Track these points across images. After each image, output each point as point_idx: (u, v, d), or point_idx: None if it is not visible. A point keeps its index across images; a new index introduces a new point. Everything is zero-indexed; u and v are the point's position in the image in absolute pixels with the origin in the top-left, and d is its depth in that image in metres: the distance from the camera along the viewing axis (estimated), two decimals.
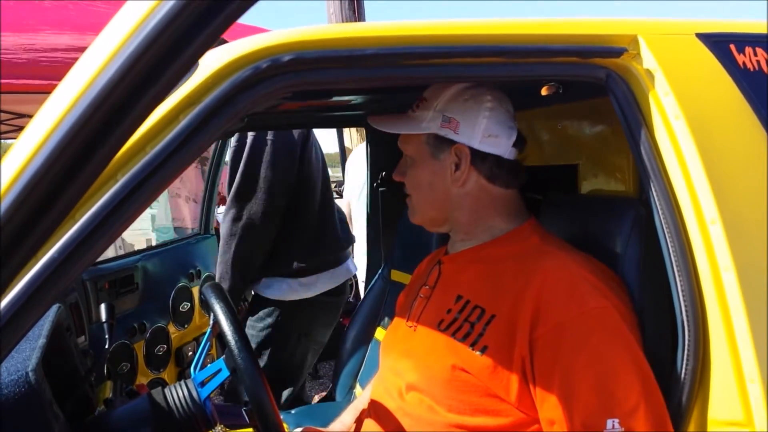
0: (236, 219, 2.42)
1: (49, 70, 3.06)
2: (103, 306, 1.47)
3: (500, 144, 1.34)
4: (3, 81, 3.00)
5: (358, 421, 1.55)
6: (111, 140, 0.61)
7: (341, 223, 2.91)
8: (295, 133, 2.57)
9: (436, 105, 1.35)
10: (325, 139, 8.17)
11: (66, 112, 0.61)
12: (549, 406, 1.13)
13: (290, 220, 2.56)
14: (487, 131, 1.33)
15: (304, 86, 1.02)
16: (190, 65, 0.64)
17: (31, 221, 0.64)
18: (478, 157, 1.34)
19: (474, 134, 1.33)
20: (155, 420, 1.19)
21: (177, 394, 1.21)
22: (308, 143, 2.67)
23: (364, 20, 5.36)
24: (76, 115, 0.59)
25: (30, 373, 1.00)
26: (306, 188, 2.64)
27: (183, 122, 0.89)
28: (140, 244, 7.43)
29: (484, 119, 1.32)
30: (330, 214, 2.79)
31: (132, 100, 0.59)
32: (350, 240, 2.97)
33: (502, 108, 1.35)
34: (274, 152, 2.46)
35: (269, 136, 2.48)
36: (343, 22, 5.23)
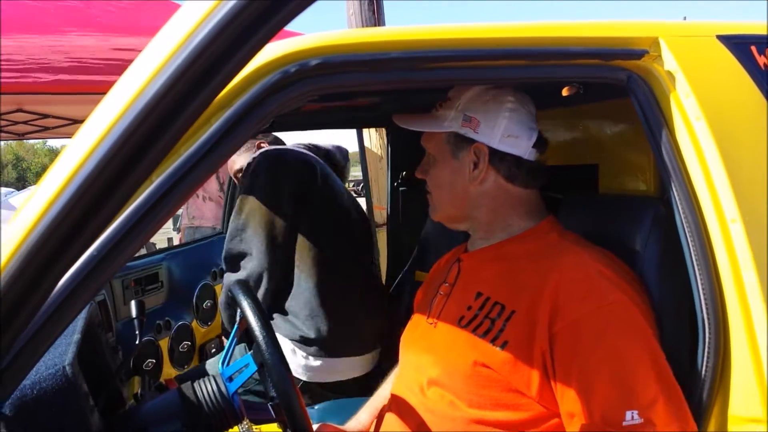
0: None
1: (75, 71, 3.11)
2: (133, 303, 1.51)
3: (520, 144, 1.36)
4: (30, 80, 3.06)
5: (379, 417, 1.57)
6: (158, 146, 0.64)
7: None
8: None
9: (458, 104, 1.37)
10: (345, 138, 8.24)
11: (118, 119, 0.64)
12: (568, 400, 1.15)
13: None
14: (507, 131, 1.34)
15: (330, 89, 1.06)
16: (238, 71, 0.67)
17: (80, 224, 0.68)
18: (497, 157, 1.36)
19: (494, 134, 1.34)
20: (185, 414, 1.22)
21: (206, 388, 1.24)
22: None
23: (383, 20, 5.37)
24: (127, 122, 0.62)
25: (67, 367, 1.04)
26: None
27: (215, 125, 0.91)
28: (162, 243, 7.53)
29: (504, 119, 1.34)
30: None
31: (179, 108, 0.62)
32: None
33: (523, 109, 1.37)
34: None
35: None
36: (362, 21, 5.25)
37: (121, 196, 0.68)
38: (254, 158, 2.31)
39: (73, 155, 0.70)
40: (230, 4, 0.62)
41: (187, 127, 0.67)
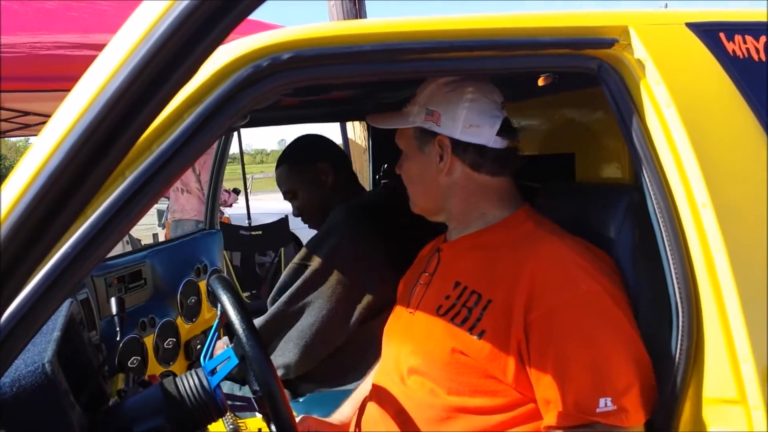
0: None
1: (54, 68, 3.09)
2: (113, 300, 1.51)
3: (482, 133, 1.37)
4: (7, 79, 3.04)
5: (361, 407, 1.59)
6: (123, 140, 0.64)
7: None
8: None
9: (421, 99, 1.40)
10: (329, 131, 8.20)
11: (81, 114, 0.65)
12: (544, 387, 1.18)
13: None
14: (467, 122, 1.36)
15: (303, 83, 1.06)
16: (200, 65, 0.67)
17: (48, 218, 0.68)
18: (460, 147, 1.38)
19: (455, 125, 1.36)
20: (168, 408, 1.22)
21: (188, 382, 1.25)
22: None
23: (364, 14, 5.37)
24: (90, 117, 0.63)
25: (46, 365, 1.04)
26: None
27: (187, 121, 0.92)
28: (146, 239, 7.51)
29: (464, 110, 1.36)
30: None
31: (143, 101, 0.63)
32: None
33: (485, 99, 1.38)
34: None
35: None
36: (343, 15, 5.24)
37: (87, 191, 0.68)
38: None
39: (39, 152, 0.71)
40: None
41: (151, 120, 0.68)
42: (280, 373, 1.99)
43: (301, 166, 2.30)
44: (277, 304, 2.08)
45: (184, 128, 0.91)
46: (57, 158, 0.65)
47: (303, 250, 2.14)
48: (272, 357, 2.00)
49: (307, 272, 2.05)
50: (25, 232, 0.68)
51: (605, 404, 1.12)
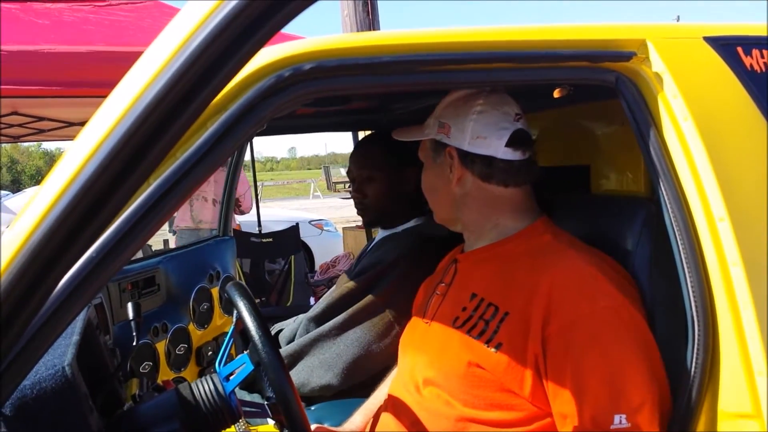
0: None
1: (69, 74, 3.14)
2: (130, 305, 1.52)
3: (490, 145, 1.38)
4: (24, 86, 3.09)
5: (375, 417, 1.59)
6: (157, 148, 0.66)
7: None
8: None
9: (436, 113, 1.45)
10: (341, 140, 8.23)
11: (116, 124, 0.66)
12: (561, 401, 1.18)
13: None
14: (474, 133, 1.38)
15: (324, 93, 1.07)
16: (236, 73, 0.68)
17: (81, 225, 0.69)
18: (468, 158, 1.40)
19: (463, 137, 1.39)
20: (183, 414, 1.23)
21: (203, 388, 1.25)
22: None
23: (377, 21, 5.39)
24: (126, 126, 0.64)
25: (66, 368, 1.05)
26: None
27: (211, 129, 0.93)
28: (157, 246, 7.53)
29: (471, 122, 1.38)
30: None
31: (178, 111, 0.64)
32: None
33: (494, 110, 1.39)
34: None
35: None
36: (357, 22, 5.27)
37: (120, 199, 0.70)
38: None
39: (74, 158, 0.72)
40: (230, 5, 0.63)
41: (185, 130, 0.69)
42: (318, 390, 1.97)
43: (394, 159, 2.13)
44: (329, 324, 2.02)
45: (207, 136, 0.92)
46: (92, 166, 0.66)
47: (369, 271, 2.05)
48: (312, 375, 1.99)
49: (370, 297, 2.00)
50: (57, 241, 0.70)
51: (620, 421, 1.12)
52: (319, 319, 2.08)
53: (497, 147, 1.39)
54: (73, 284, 0.84)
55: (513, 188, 1.42)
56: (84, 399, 1.08)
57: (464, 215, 1.46)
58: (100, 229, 0.73)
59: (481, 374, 1.26)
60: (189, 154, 0.91)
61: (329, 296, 2.14)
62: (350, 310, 2.00)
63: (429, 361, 1.38)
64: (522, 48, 1.17)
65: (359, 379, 1.97)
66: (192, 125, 0.71)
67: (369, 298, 2.00)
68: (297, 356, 2.03)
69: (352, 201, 2.33)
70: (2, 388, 0.85)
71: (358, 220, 2.93)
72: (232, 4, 0.64)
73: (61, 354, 1.11)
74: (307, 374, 1.98)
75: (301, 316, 2.22)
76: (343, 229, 8.35)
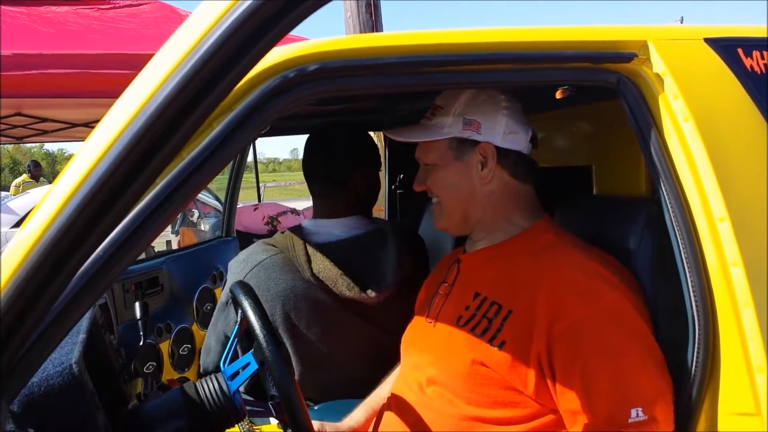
0: None
1: (71, 78, 3.16)
2: (137, 304, 1.53)
3: (520, 140, 1.40)
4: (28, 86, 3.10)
5: (378, 416, 1.60)
6: (166, 149, 0.67)
7: None
8: None
9: (455, 110, 1.40)
10: None
11: (127, 124, 0.67)
12: (571, 398, 1.18)
13: None
14: (507, 129, 1.38)
15: (328, 93, 1.08)
16: (243, 76, 0.70)
17: (93, 223, 0.70)
18: (502, 154, 1.39)
19: (496, 132, 1.38)
20: (188, 412, 1.24)
21: (208, 387, 1.26)
22: None
23: (380, 22, 5.40)
24: (136, 127, 0.65)
25: (74, 365, 1.06)
26: None
27: (216, 129, 0.94)
28: (160, 246, 7.54)
29: (504, 117, 1.38)
30: None
31: (187, 112, 0.65)
32: None
33: (516, 107, 1.41)
34: None
35: None
36: (359, 23, 5.28)
37: (130, 198, 0.71)
38: None
39: (86, 158, 0.73)
40: (243, 5, 0.64)
41: (194, 131, 0.70)
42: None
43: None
44: None
45: (213, 136, 0.93)
46: (102, 166, 0.67)
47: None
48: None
49: None
50: (67, 240, 0.71)
51: (636, 414, 1.12)
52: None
53: (524, 142, 1.41)
54: (80, 283, 0.85)
55: (528, 185, 1.44)
56: (91, 396, 1.09)
57: (480, 213, 1.43)
58: (109, 228, 0.74)
59: (485, 372, 1.26)
60: (195, 155, 0.92)
61: None
62: None
63: (432, 361, 1.38)
64: (524, 49, 1.18)
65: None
66: (199, 128, 0.72)
67: None
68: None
69: None
70: (13, 384, 0.86)
71: None
72: (246, 5, 0.65)
73: (68, 352, 1.12)
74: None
75: None
76: None
